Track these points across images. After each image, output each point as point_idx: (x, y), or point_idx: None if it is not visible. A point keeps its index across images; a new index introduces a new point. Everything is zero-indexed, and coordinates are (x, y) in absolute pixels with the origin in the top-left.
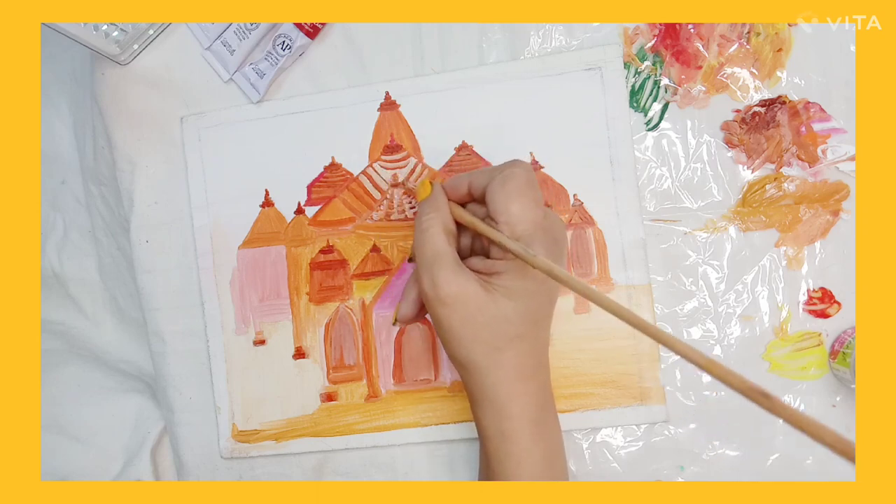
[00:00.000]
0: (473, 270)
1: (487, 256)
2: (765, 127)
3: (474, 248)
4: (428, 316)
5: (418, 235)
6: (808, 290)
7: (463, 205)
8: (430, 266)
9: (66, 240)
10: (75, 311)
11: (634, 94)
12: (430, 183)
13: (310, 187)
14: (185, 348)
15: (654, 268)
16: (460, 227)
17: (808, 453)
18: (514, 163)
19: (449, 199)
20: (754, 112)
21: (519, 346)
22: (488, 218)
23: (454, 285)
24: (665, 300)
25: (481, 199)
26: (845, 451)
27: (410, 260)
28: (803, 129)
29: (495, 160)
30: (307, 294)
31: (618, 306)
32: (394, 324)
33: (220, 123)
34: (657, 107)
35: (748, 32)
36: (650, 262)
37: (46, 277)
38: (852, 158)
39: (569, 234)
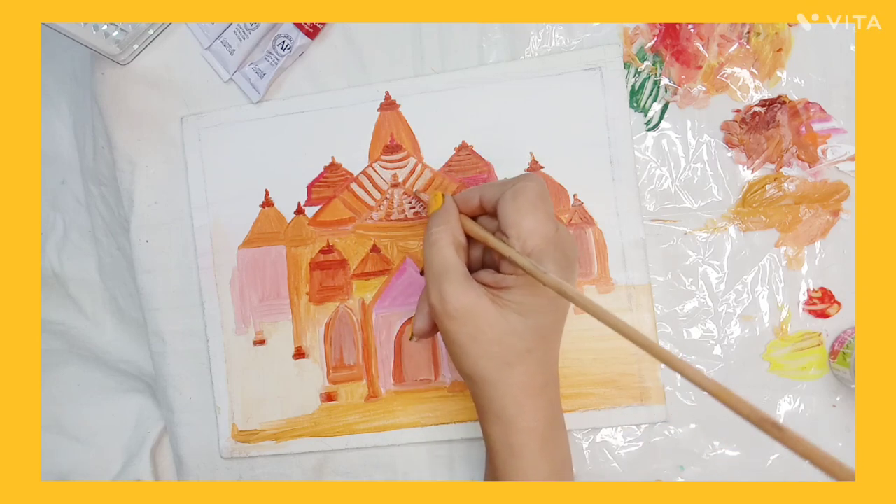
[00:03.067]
0: (483, 284)
1: (497, 270)
2: (765, 127)
3: (485, 261)
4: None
5: (427, 248)
6: (808, 290)
7: (474, 218)
8: (438, 279)
9: (66, 240)
10: (75, 311)
11: (634, 94)
12: (442, 195)
13: (310, 187)
14: (185, 348)
15: (654, 268)
16: (471, 239)
17: None
18: (526, 176)
19: (461, 212)
20: (754, 112)
21: (528, 362)
22: (499, 232)
23: (462, 299)
24: (665, 300)
25: (493, 213)
26: (842, 475)
27: (422, 273)
28: (803, 129)
29: (495, 160)
30: (307, 294)
31: (628, 328)
32: (410, 339)
33: (220, 123)
34: (657, 107)
35: (748, 32)
36: (650, 262)
37: (46, 277)
38: (852, 158)
39: None
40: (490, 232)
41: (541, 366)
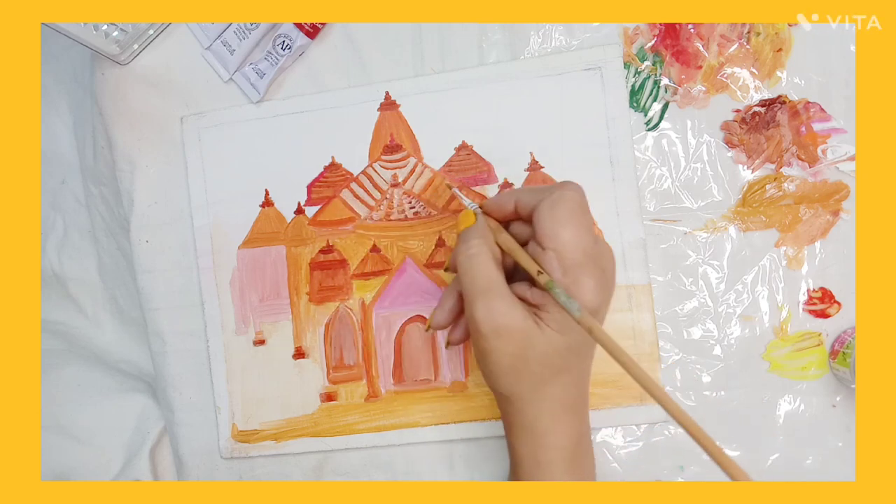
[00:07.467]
0: (520, 298)
1: (532, 282)
2: (765, 127)
3: (519, 270)
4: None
5: (466, 261)
6: (808, 290)
7: (507, 224)
8: (484, 295)
9: (66, 240)
10: (75, 311)
11: (634, 94)
12: (474, 213)
13: (310, 187)
14: (185, 348)
15: (654, 268)
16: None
17: (808, 453)
18: (566, 184)
19: (493, 217)
20: (754, 112)
21: (564, 379)
22: (533, 241)
23: (508, 318)
24: (665, 300)
25: (528, 219)
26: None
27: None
28: (803, 128)
29: (495, 160)
30: (307, 294)
31: (648, 378)
32: (427, 330)
33: (220, 123)
34: (657, 107)
35: (748, 32)
36: (650, 262)
37: (46, 277)
38: (852, 158)
39: None
40: (525, 239)
41: (576, 383)
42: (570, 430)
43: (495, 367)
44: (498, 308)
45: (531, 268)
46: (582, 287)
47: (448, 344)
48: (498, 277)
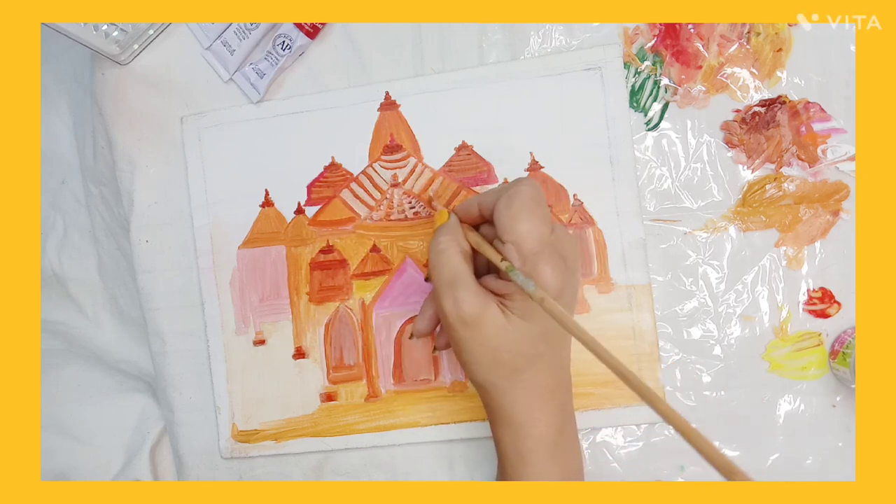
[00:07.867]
0: (488, 289)
1: (500, 274)
2: (765, 127)
3: (490, 267)
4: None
5: (435, 257)
6: (808, 290)
7: (477, 227)
8: (451, 286)
9: (66, 240)
10: (75, 311)
11: (634, 94)
12: (448, 213)
13: (310, 187)
14: (185, 348)
15: (654, 268)
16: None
17: (808, 453)
18: (520, 181)
19: (463, 222)
20: (754, 112)
21: (538, 367)
22: (497, 239)
23: (476, 306)
24: (665, 300)
25: (491, 220)
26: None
27: (427, 280)
28: (803, 128)
29: (495, 160)
30: (307, 294)
31: (615, 361)
32: (410, 338)
33: (220, 123)
34: (657, 107)
35: (748, 32)
36: (650, 262)
37: (46, 277)
38: (852, 158)
39: None
40: (491, 239)
41: (550, 370)
42: (549, 419)
43: (469, 357)
44: (463, 298)
45: (494, 258)
46: (541, 273)
47: (435, 349)
48: (464, 269)
